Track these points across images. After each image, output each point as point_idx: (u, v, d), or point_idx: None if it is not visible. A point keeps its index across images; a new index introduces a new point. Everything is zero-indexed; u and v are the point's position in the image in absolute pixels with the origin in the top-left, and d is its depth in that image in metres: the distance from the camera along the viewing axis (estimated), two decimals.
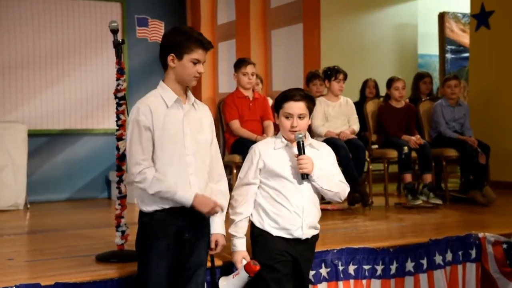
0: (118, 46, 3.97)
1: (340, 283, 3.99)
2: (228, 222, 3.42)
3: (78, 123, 7.90)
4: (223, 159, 6.18)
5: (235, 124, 5.65)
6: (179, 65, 3.06)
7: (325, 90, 6.28)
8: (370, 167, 6.20)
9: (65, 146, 7.82)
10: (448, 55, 9.05)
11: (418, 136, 6.24)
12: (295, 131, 3.31)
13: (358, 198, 5.77)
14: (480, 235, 4.53)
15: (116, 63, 4.00)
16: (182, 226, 3.09)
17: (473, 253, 4.50)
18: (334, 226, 5.02)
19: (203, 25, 8.98)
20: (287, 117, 3.33)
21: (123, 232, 3.95)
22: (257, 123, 5.75)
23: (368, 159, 6.08)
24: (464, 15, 8.92)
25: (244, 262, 3.32)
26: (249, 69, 5.69)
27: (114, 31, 3.97)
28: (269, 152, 3.38)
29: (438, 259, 4.33)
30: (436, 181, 6.55)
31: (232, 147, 5.73)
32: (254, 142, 5.32)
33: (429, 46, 9.16)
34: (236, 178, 5.76)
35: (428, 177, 6.10)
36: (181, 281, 3.15)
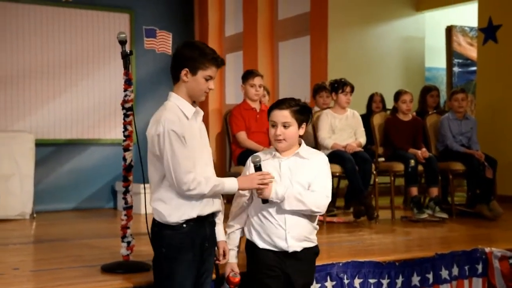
0: (126, 57, 3.98)
1: None
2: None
3: (85, 133, 7.93)
4: (229, 170, 6.23)
5: (242, 135, 5.66)
6: (192, 80, 3.10)
7: (332, 103, 6.29)
8: (377, 180, 6.19)
9: (72, 155, 7.84)
10: (456, 69, 9.04)
11: (425, 149, 6.23)
12: (280, 140, 3.27)
13: (363, 211, 5.76)
14: (487, 249, 4.51)
15: (124, 74, 4.02)
16: (204, 236, 3.16)
17: (480, 267, 4.48)
18: (340, 239, 5.01)
19: (211, 37, 9.01)
20: (272, 126, 3.31)
21: (128, 242, 3.96)
22: (264, 135, 5.75)
23: (374, 172, 6.07)
24: (471, 28, 8.93)
25: (232, 274, 3.36)
26: (257, 81, 5.71)
27: (122, 42, 3.99)
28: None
29: (444, 273, 4.31)
30: (443, 195, 6.53)
31: (238, 158, 5.74)
32: None
33: (436, 60, 9.16)
34: None
35: (434, 191, 6.09)
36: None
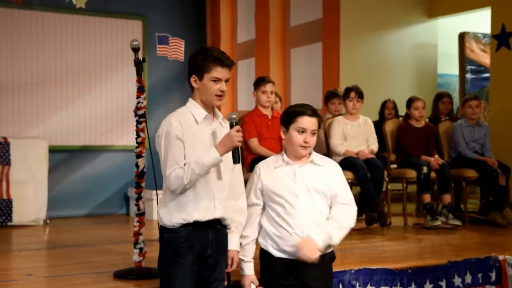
0: (139, 65, 4.01)
1: None
2: None
3: (98, 140, 7.97)
4: None
5: (254, 142, 5.66)
6: (201, 85, 3.12)
7: (344, 109, 6.29)
8: (389, 186, 6.17)
9: (85, 162, 7.89)
10: (468, 75, 9.00)
11: (437, 156, 6.21)
12: (307, 147, 3.24)
13: (376, 218, 5.74)
14: (500, 257, 4.49)
15: (137, 81, 4.04)
16: (206, 242, 3.12)
17: (493, 275, 4.46)
18: (352, 246, 4.99)
19: (223, 44, 9.04)
20: (300, 132, 3.25)
21: (141, 249, 3.97)
22: (276, 142, 5.76)
23: (386, 179, 6.06)
24: (484, 35, 8.89)
25: (253, 287, 3.29)
26: (268, 87, 5.72)
27: (135, 50, 4.02)
28: (269, 171, 3.31)
29: (457, 281, 4.29)
30: (455, 202, 6.50)
31: (251, 165, 5.74)
32: None
33: (449, 66, 9.12)
34: None
35: (447, 198, 6.06)
36: None
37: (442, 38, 8.72)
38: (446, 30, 8.80)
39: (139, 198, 4.01)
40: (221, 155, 3.00)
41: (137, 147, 4.01)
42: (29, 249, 5.31)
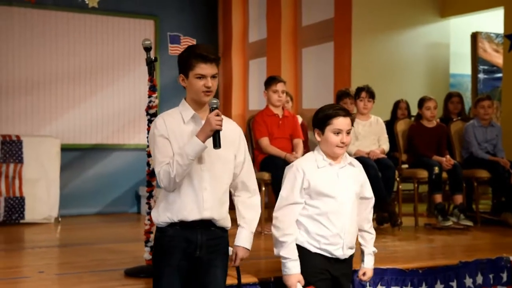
0: (150, 64, 4.03)
1: None
2: (273, 243, 3.36)
3: (110, 138, 8.01)
4: None
5: (265, 141, 5.67)
6: (188, 84, 3.10)
7: (356, 109, 6.28)
8: (400, 186, 6.16)
9: (97, 160, 7.93)
10: (481, 75, 8.95)
11: (449, 156, 6.19)
12: (343, 147, 3.30)
13: (387, 218, 5.73)
14: None
15: (149, 80, 4.06)
16: (194, 243, 3.07)
17: (504, 276, 4.44)
18: None
19: (235, 43, 9.05)
20: (336, 133, 3.29)
21: (151, 247, 3.98)
22: (287, 141, 5.76)
23: (397, 179, 6.04)
24: (497, 35, 8.84)
25: (299, 286, 3.26)
26: (279, 87, 5.72)
27: (147, 49, 4.04)
28: (314, 171, 3.33)
29: (468, 281, 4.28)
30: (467, 202, 6.47)
31: (261, 164, 5.75)
32: (283, 160, 5.36)
33: (461, 66, 9.08)
34: (265, 196, 5.79)
35: (459, 198, 6.04)
36: None
37: (455, 38, 8.68)
38: (458, 29, 8.76)
39: (150, 196, 4.03)
40: (203, 142, 2.95)
41: (148, 146, 4.01)
42: (41, 246, 5.35)
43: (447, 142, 6.53)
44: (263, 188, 5.71)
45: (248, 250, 3.24)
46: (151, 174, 4.02)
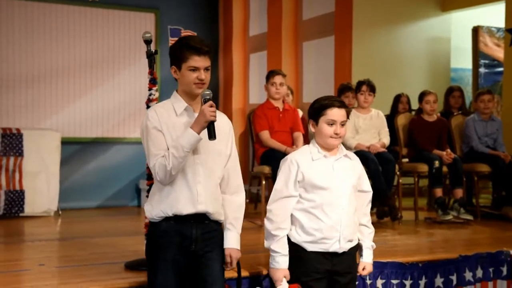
0: (151, 57, 4.02)
1: None
2: (265, 235, 3.34)
3: (110, 132, 8.01)
4: (252, 170, 6.23)
5: (265, 134, 5.67)
6: (180, 76, 3.07)
7: (357, 103, 6.28)
8: (400, 180, 6.16)
9: (97, 154, 7.93)
10: (482, 70, 8.94)
11: (449, 150, 6.19)
12: (337, 138, 3.27)
13: (387, 212, 5.73)
14: None
15: (149, 73, 4.05)
16: (188, 237, 3.06)
17: (504, 270, 4.44)
18: None
19: (235, 36, 9.03)
20: (330, 124, 3.27)
21: None
22: (287, 134, 5.76)
23: (398, 173, 6.04)
24: (498, 29, 8.82)
25: (285, 281, 3.24)
26: (277, 79, 5.72)
27: (148, 42, 4.03)
28: (308, 163, 3.29)
29: (468, 275, 4.28)
30: (467, 196, 6.47)
31: (262, 158, 5.75)
32: (284, 153, 5.35)
33: (462, 60, 9.07)
34: (265, 189, 5.78)
35: (459, 192, 6.04)
36: None
37: (456, 32, 8.66)
38: (459, 24, 8.75)
39: (150, 189, 4.02)
40: (198, 133, 2.94)
41: None
42: (41, 239, 5.36)
43: (448, 136, 6.53)
44: (263, 182, 5.72)
45: (239, 250, 3.23)
46: None
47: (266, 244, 3.33)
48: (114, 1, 8.04)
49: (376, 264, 3.99)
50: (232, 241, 3.18)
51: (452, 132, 6.67)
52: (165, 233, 3.05)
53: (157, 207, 3.06)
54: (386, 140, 6.08)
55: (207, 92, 3.01)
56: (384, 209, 5.74)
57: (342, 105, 3.32)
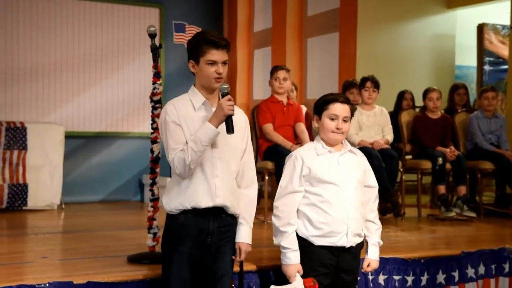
0: (155, 51, 4.03)
1: None
2: (273, 232, 3.34)
3: (114, 126, 8.01)
4: (255, 165, 6.21)
5: (269, 127, 5.67)
6: (198, 70, 3.09)
7: (361, 99, 6.27)
8: (403, 177, 6.16)
9: (101, 148, 7.94)
10: (486, 67, 8.92)
11: (453, 147, 6.18)
12: (339, 133, 3.28)
13: (390, 208, 5.74)
14: None
15: (153, 67, 4.06)
16: (205, 230, 3.09)
17: (507, 267, 4.45)
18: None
19: (240, 32, 9.03)
20: (332, 119, 3.29)
21: (154, 234, 4.00)
22: (290, 128, 5.76)
23: (401, 169, 6.04)
24: (503, 26, 8.80)
25: (298, 276, 3.24)
26: (280, 74, 5.72)
27: (152, 36, 4.04)
28: (313, 158, 3.31)
29: (470, 272, 4.29)
30: (471, 194, 6.47)
31: (265, 153, 5.75)
32: (288, 149, 5.35)
33: (467, 58, 9.06)
34: (269, 184, 5.79)
35: (462, 189, 6.04)
36: (207, 286, 3.14)
37: (461, 29, 8.65)
38: (464, 21, 8.73)
39: (153, 183, 4.04)
40: (216, 127, 2.96)
41: (152, 133, 4.03)
42: (44, 232, 5.38)
43: (451, 133, 6.52)
44: (266, 177, 5.72)
45: (250, 244, 3.25)
46: (155, 161, 4.02)
47: (275, 241, 3.34)
48: None
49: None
50: (244, 235, 3.21)
51: (456, 129, 6.66)
52: (182, 226, 3.07)
53: (175, 200, 3.08)
54: (390, 137, 6.07)
55: (225, 86, 3.04)
56: (387, 206, 5.74)
57: (346, 101, 3.33)
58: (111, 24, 8.03)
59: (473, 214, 5.88)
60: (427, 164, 6.14)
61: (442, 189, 6.05)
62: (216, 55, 3.03)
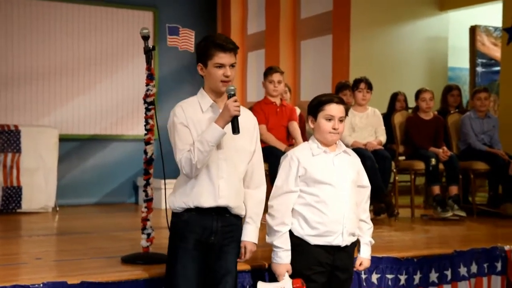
0: (148, 52, 4.03)
1: None
2: (267, 231, 3.35)
3: (108, 129, 8.02)
4: None
5: (263, 128, 5.68)
6: (207, 73, 3.13)
7: (354, 101, 6.30)
8: (397, 178, 6.19)
9: (95, 151, 7.95)
10: (479, 69, 8.97)
11: (445, 148, 6.21)
12: (336, 133, 3.30)
13: (383, 208, 5.76)
14: (506, 248, 4.51)
15: (146, 69, 4.06)
16: (209, 229, 3.13)
17: (499, 265, 4.47)
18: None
19: (233, 35, 9.06)
20: (328, 119, 3.31)
21: (148, 234, 4.00)
22: (283, 129, 5.77)
23: (394, 170, 6.07)
24: (495, 28, 8.86)
25: (287, 276, 3.26)
26: (275, 77, 5.73)
27: (145, 38, 4.04)
28: (308, 158, 3.33)
29: (463, 270, 4.31)
30: (464, 194, 6.50)
31: None
32: (282, 151, 5.36)
33: (460, 59, 9.11)
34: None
35: (454, 189, 6.07)
36: (209, 285, 3.17)
37: (453, 31, 8.70)
38: (457, 23, 8.78)
39: (147, 184, 4.04)
40: (222, 128, 3.00)
41: (145, 134, 4.03)
42: (38, 235, 5.37)
43: (444, 134, 6.55)
44: None
45: (256, 244, 3.28)
46: (148, 162, 4.03)
47: (268, 239, 3.36)
48: None
49: (371, 259, 4.00)
50: (250, 234, 3.25)
51: (449, 130, 6.70)
52: (186, 224, 3.12)
53: (180, 199, 3.13)
54: (383, 138, 6.10)
55: (232, 88, 3.07)
56: (380, 206, 5.77)
57: (340, 101, 3.36)
58: (105, 28, 8.05)
59: (463, 213, 5.91)
60: (420, 165, 6.17)
61: (436, 189, 6.09)
62: (224, 58, 3.08)
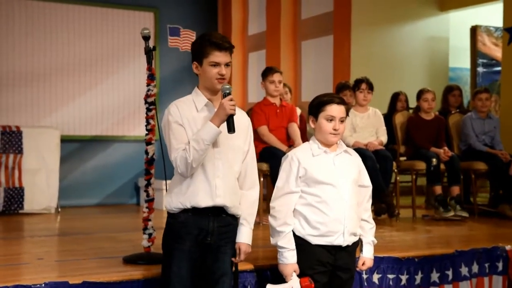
0: (149, 53, 4.04)
1: None
2: (270, 233, 3.36)
3: (110, 130, 8.04)
4: None
5: (264, 129, 5.69)
6: (202, 71, 3.12)
7: (354, 102, 6.30)
8: (398, 178, 6.19)
9: (96, 152, 7.97)
10: (480, 69, 8.97)
11: (446, 148, 6.22)
12: (336, 134, 3.30)
13: (384, 208, 5.76)
14: (508, 247, 4.51)
15: (147, 69, 4.07)
16: (205, 230, 3.12)
17: (500, 265, 4.47)
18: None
19: (234, 35, 9.06)
20: (329, 120, 3.31)
21: (150, 234, 4.01)
22: (284, 130, 5.77)
23: (395, 171, 6.07)
24: (496, 28, 8.86)
25: (295, 275, 3.26)
26: (276, 77, 5.74)
27: (146, 38, 4.06)
28: (309, 159, 3.33)
29: (464, 270, 4.31)
30: (465, 194, 6.50)
31: (260, 155, 5.76)
32: (283, 151, 5.37)
33: (461, 60, 9.11)
34: (264, 186, 5.81)
35: (456, 190, 6.07)
36: (206, 286, 3.16)
37: (454, 31, 8.70)
38: (458, 23, 8.78)
39: (148, 184, 4.05)
40: (217, 126, 3.00)
41: (146, 134, 4.04)
42: (40, 235, 5.38)
43: (445, 134, 6.55)
44: (261, 179, 5.73)
45: (250, 245, 3.27)
46: (149, 162, 4.04)
47: (272, 241, 3.36)
48: (113, 0, 8.07)
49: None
50: (244, 235, 3.23)
51: (450, 130, 6.70)
52: (183, 225, 3.11)
53: (176, 199, 3.11)
54: (384, 138, 6.11)
55: (227, 87, 3.07)
56: (381, 206, 5.76)
57: (341, 101, 3.36)
58: (106, 29, 8.06)
59: (465, 214, 5.91)
60: (421, 165, 6.17)
61: (438, 189, 6.09)
62: (219, 56, 3.07)
